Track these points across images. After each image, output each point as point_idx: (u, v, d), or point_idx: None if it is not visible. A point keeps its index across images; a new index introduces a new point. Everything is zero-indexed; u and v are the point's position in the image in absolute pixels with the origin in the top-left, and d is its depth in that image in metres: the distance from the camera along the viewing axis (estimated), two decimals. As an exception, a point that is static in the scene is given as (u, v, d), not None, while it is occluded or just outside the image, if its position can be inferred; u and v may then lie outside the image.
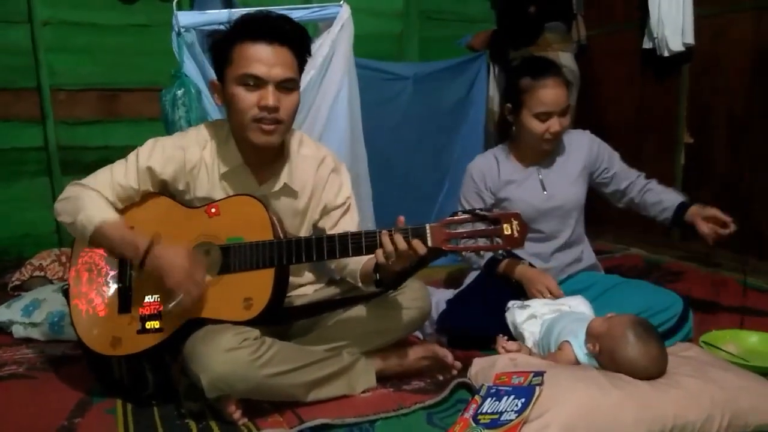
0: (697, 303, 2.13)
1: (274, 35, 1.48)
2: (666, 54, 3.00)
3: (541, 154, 2.07)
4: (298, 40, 1.52)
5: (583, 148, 2.10)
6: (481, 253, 1.42)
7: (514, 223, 1.39)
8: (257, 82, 1.47)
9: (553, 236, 2.08)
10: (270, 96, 1.47)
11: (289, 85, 1.50)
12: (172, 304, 1.44)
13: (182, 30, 2.11)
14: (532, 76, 1.96)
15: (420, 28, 3.48)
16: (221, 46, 1.51)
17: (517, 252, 2.06)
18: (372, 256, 1.46)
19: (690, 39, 2.91)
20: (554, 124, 1.95)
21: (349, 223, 1.67)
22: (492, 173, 2.08)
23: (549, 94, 1.93)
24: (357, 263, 1.59)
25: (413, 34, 3.47)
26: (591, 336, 1.57)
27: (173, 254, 1.45)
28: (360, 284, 1.61)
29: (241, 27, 1.49)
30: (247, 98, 1.48)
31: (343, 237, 1.45)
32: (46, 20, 2.86)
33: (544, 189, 2.06)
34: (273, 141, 1.53)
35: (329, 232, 1.65)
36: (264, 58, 1.47)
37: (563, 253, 2.10)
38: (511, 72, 2.14)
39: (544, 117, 1.95)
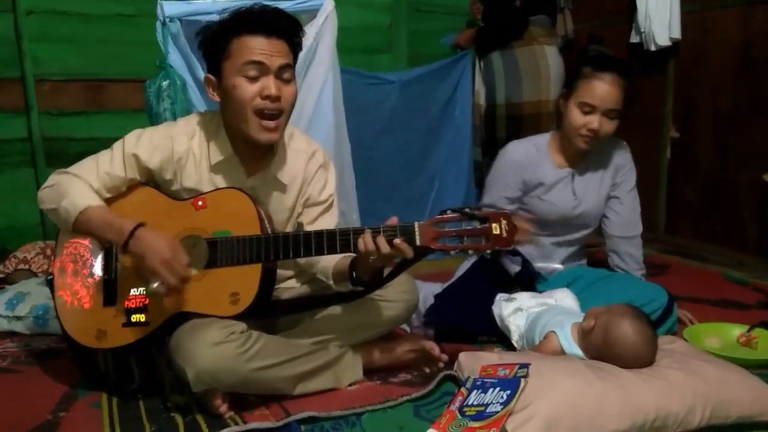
0: (682, 296, 2.15)
1: (271, 28, 1.49)
2: (653, 48, 3.02)
3: (578, 155, 2.00)
4: (293, 33, 1.54)
5: (618, 158, 2.05)
6: (470, 251, 1.42)
7: (503, 222, 1.39)
8: (258, 71, 1.47)
9: (563, 235, 2.08)
10: (272, 85, 1.47)
11: (288, 75, 1.51)
12: (150, 287, 1.43)
13: (167, 20, 2.09)
14: (594, 66, 1.90)
15: (409, 20, 3.46)
16: (217, 40, 1.50)
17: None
18: (346, 254, 1.47)
19: (677, 34, 2.93)
20: (594, 121, 1.88)
21: (329, 222, 1.66)
22: (530, 165, 2.01)
23: (600, 87, 1.86)
24: (330, 261, 1.58)
25: (402, 26, 3.46)
26: (590, 314, 1.60)
27: (156, 238, 1.43)
28: (331, 282, 1.60)
29: (238, 20, 1.49)
30: (249, 89, 1.47)
31: (332, 233, 1.44)
32: (29, 9, 2.81)
33: (575, 197, 2.03)
34: (275, 138, 1.53)
35: (306, 228, 1.64)
36: (263, 47, 1.47)
37: (565, 253, 2.11)
38: (581, 59, 2.06)
39: (587, 109, 1.88)
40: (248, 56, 1.46)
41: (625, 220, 2.07)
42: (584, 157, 2.03)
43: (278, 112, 1.51)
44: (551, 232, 2.06)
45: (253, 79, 1.47)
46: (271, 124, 1.50)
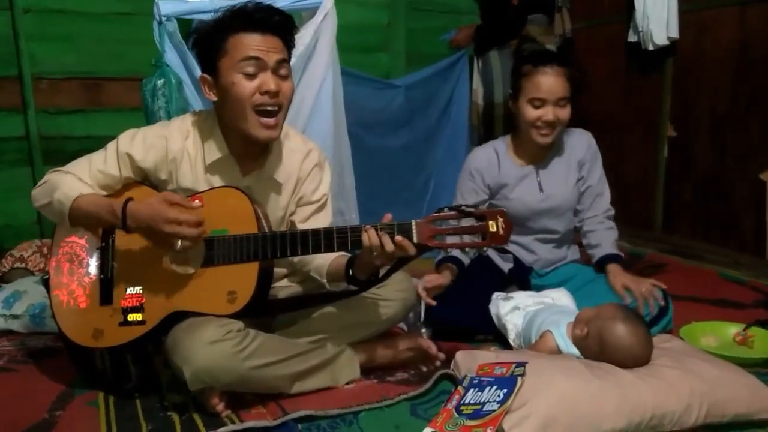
0: (679, 295, 2.15)
1: (266, 25, 1.49)
2: (650, 48, 3.02)
3: (540, 151, 2.03)
4: (287, 30, 1.55)
5: (581, 149, 2.08)
6: (467, 249, 1.43)
7: (500, 220, 1.40)
8: (256, 67, 1.48)
9: (542, 232, 2.09)
10: (270, 80, 1.48)
11: (284, 71, 1.53)
12: (178, 247, 1.41)
13: (163, 19, 2.09)
14: (533, 63, 1.95)
15: (407, 19, 3.47)
16: (212, 38, 1.50)
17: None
18: (342, 253, 1.48)
19: (674, 33, 2.93)
20: (547, 113, 1.93)
21: (321, 222, 1.66)
22: (491, 169, 2.06)
23: (545, 80, 1.91)
24: (325, 259, 1.58)
25: (400, 24, 3.46)
26: (580, 321, 1.60)
27: (149, 205, 1.42)
28: (325, 281, 1.60)
29: (233, 18, 1.49)
30: (248, 86, 1.48)
31: (329, 232, 1.44)
32: (27, 7, 2.81)
33: (541, 189, 2.05)
34: (274, 135, 1.54)
35: (299, 226, 1.65)
36: (260, 44, 1.48)
37: (549, 248, 2.12)
38: (518, 60, 2.13)
39: (538, 103, 1.93)
40: (245, 52, 1.47)
41: (588, 205, 2.10)
42: (545, 153, 2.06)
43: (277, 108, 1.52)
44: (526, 227, 2.07)
45: (250, 76, 1.48)
46: (271, 121, 1.51)
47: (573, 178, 2.08)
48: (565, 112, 1.96)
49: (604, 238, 2.06)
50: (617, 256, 2.02)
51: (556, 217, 2.08)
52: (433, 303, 1.82)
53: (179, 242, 1.41)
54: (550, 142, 2.00)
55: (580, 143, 2.09)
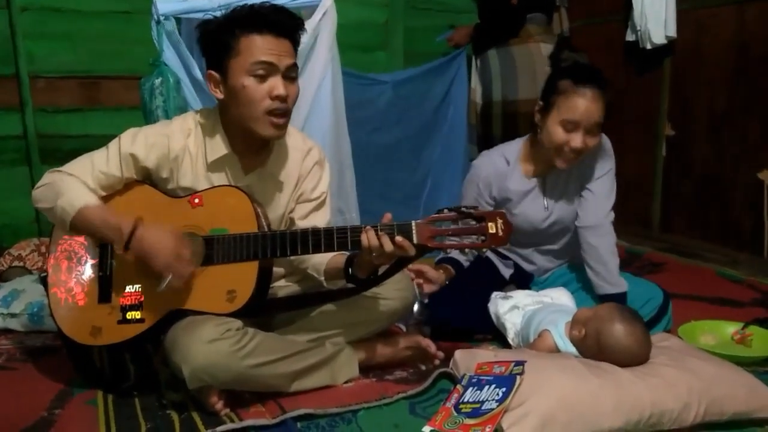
0: (677, 294, 2.15)
1: (279, 28, 1.49)
2: (648, 47, 3.03)
3: (550, 165, 1.92)
4: (296, 33, 1.55)
5: (588, 158, 1.93)
6: (466, 250, 1.43)
7: (499, 221, 1.40)
8: (268, 71, 1.47)
9: (544, 244, 2.07)
10: (281, 85, 1.48)
11: (293, 74, 1.53)
12: (163, 284, 1.41)
13: (161, 18, 2.08)
14: (574, 80, 1.80)
15: (405, 18, 3.47)
16: (222, 37, 1.49)
17: (502, 250, 2.07)
18: (340, 252, 1.49)
19: (672, 32, 2.94)
20: (576, 138, 1.79)
21: (320, 219, 1.66)
22: (499, 180, 1.96)
23: (583, 103, 1.77)
24: (322, 257, 1.58)
25: (398, 23, 3.46)
26: (578, 322, 1.60)
27: (159, 235, 1.43)
28: (322, 278, 1.60)
29: (245, 18, 1.48)
30: (259, 89, 1.48)
31: (329, 231, 1.44)
32: (24, 6, 2.80)
33: (546, 208, 1.98)
34: (283, 133, 1.55)
35: (298, 224, 1.65)
36: (273, 48, 1.48)
37: (549, 258, 2.10)
38: (556, 71, 2.00)
39: (570, 127, 1.79)
40: (258, 56, 1.46)
41: (588, 210, 1.95)
42: (556, 167, 1.94)
43: (286, 111, 1.52)
44: (526, 241, 2.05)
45: (261, 78, 1.48)
46: (281, 120, 1.52)
47: (578, 192, 1.99)
48: (594, 141, 1.83)
49: (607, 267, 1.89)
50: (619, 297, 1.86)
51: (557, 234, 2.04)
52: (420, 281, 1.79)
53: (168, 278, 1.41)
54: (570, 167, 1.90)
55: (590, 153, 1.92)
